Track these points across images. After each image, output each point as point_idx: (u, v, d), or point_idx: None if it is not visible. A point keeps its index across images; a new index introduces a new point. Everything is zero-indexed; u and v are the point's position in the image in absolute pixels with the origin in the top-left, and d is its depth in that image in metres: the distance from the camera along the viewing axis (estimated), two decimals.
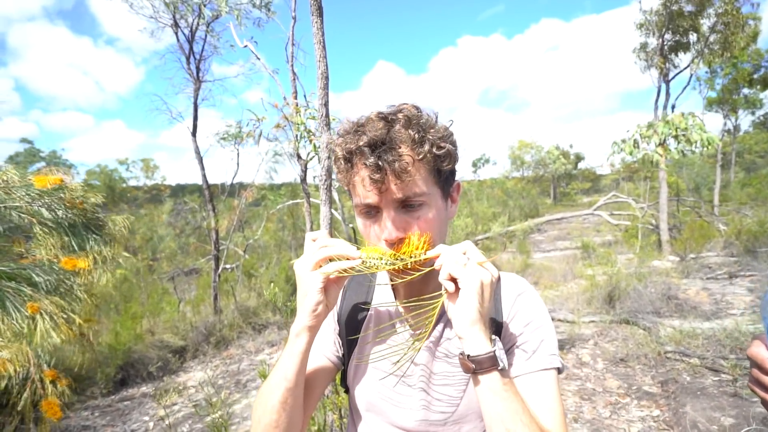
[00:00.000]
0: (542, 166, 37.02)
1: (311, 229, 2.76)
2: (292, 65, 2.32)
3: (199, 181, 6.42)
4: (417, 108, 0.67)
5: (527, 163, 38.05)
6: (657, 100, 10.03)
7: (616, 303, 5.17)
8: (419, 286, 0.75)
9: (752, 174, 22.61)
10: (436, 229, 0.67)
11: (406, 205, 0.65)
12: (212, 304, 6.10)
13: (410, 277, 0.64)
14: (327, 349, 0.82)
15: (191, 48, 6.22)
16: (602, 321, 4.80)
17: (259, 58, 2.59)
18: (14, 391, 1.75)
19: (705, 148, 7.31)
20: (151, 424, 3.46)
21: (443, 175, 0.67)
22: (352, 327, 0.81)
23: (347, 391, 0.84)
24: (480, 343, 0.58)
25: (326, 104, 1.74)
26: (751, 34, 10.17)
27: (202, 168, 6.30)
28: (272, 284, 4.48)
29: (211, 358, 5.09)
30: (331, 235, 2.37)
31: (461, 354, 0.60)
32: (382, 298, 0.81)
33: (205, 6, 5.67)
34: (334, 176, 1.98)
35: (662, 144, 7.93)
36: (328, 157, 1.90)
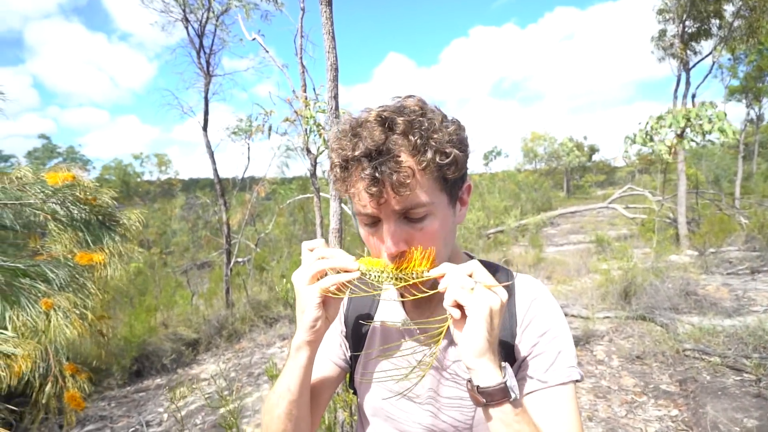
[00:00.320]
0: (555, 159, 36.45)
1: (321, 224, 2.74)
2: (300, 57, 2.28)
3: (211, 176, 6.47)
4: (421, 105, 0.60)
5: (540, 156, 37.51)
6: (676, 90, 9.72)
7: (631, 299, 5.05)
8: (427, 298, 0.71)
9: None
10: (441, 240, 0.62)
11: (408, 217, 0.60)
12: (224, 297, 6.17)
13: (418, 296, 0.60)
14: (333, 353, 0.80)
15: (201, 42, 6.22)
16: (617, 317, 4.70)
17: (267, 51, 2.56)
18: (36, 385, 1.79)
19: (720, 139, 7.01)
20: (165, 416, 3.51)
21: (450, 181, 0.61)
22: (357, 335, 0.78)
23: (356, 392, 0.81)
24: (490, 375, 0.54)
25: (336, 96, 1.69)
26: None
27: (214, 162, 6.33)
28: (284, 279, 4.49)
29: (224, 350, 5.15)
30: (341, 230, 2.34)
31: (470, 384, 0.56)
32: (389, 306, 0.77)
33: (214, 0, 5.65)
34: None
35: (680, 135, 7.68)
36: None
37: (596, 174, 41.83)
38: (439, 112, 0.61)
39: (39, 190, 2.05)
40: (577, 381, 0.64)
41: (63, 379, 1.85)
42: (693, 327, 4.02)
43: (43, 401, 1.79)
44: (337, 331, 0.81)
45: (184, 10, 5.99)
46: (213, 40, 6.33)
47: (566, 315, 4.97)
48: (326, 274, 0.62)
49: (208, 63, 6.34)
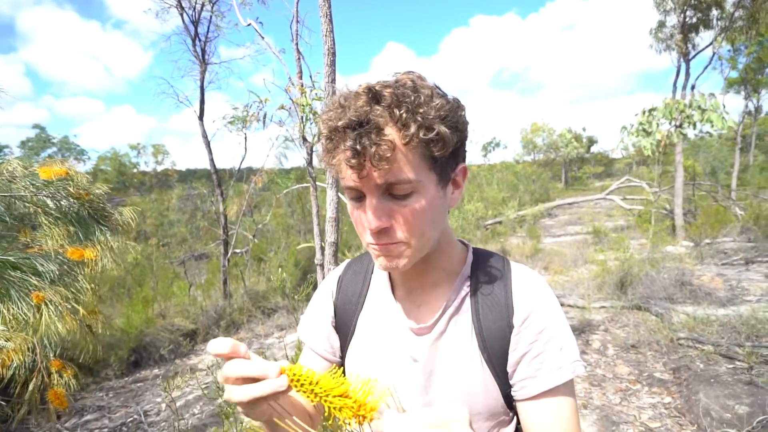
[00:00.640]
0: (554, 150, 36.41)
1: (318, 214, 2.72)
2: (296, 43, 2.23)
3: (208, 166, 6.42)
4: (413, 80, 0.58)
5: (539, 147, 37.44)
6: (676, 81, 9.67)
7: (627, 289, 5.09)
8: (418, 278, 0.70)
9: None
10: (428, 220, 0.60)
11: (392, 193, 0.57)
12: (222, 288, 6.17)
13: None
14: (320, 347, 0.78)
15: (196, 29, 6.13)
16: (613, 307, 4.73)
17: (263, 37, 2.51)
18: (20, 381, 1.77)
19: (714, 128, 6.95)
20: (163, 405, 3.53)
21: (439, 160, 0.58)
22: (346, 323, 0.77)
23: None
24: None
25: (333, 82, 1.65)
26: None
27: (210, 152, 6.28)
28: (280, 269, 4.49)
29: None
30: (338, 219, 2.32)
31: None
32: (379, 287, 0.76)
33: None
34: None
35: (679, 126, 7.65)
36: None
37: (594, 165, 41.83)
38: (432, 88, 0.58)
39: (29, 183, 2.02)
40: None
41: (48, 375, 1.82)
42: (687, 316, 4.05)
43: (26, 397, 1.77)
44: (326, 322, 0.79)
45: None
46: (208, 28, 6.24)
47: (562, 305, 4.99)
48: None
49: (203, 51, 6.25)
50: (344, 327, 0.77)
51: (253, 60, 6.49)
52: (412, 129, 0.54)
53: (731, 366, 3.19)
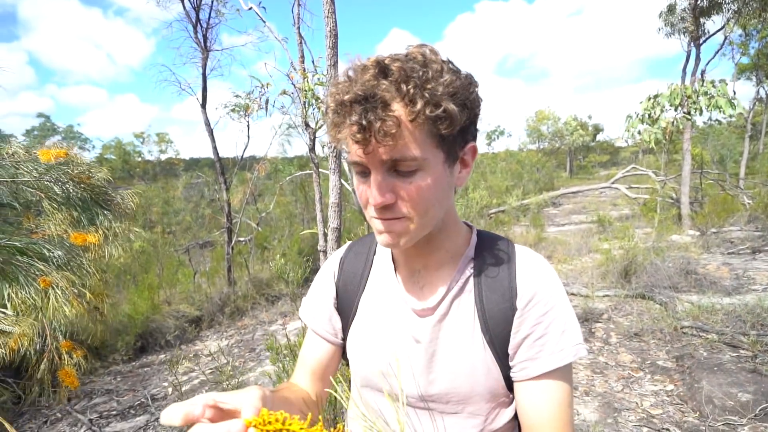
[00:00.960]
0: (559, 138, 36.02)
1: (321, 200, 2.71)
2: (298, 27, 2.19)
3: (212, 155, 6.41)
4: (424, 54, 0.56)
5: (544, 135, 37.05)
6: (685, 66, 9.47)
7: (632, 277, 5.07)
8: (422, 259, 0.69)
9: None
10: (433, 198, 0.59)
11: (397, 169, 0.56)
12: (226, 275, 6.21)
13: None
14: (322, 328, 0.78)
15: (198, 16, 6.05)
16: (617, 295, 4.72)
17: (264, 22, 2.47)
18: (32, 362, 1.80)
19: (722, 113, 6.79)
20: (170, 390, 3.59)
21: (447, 138, 0.57)
22: (348, 304, 0.76)
23: (347, 364, 0.80)
24: None
25: (335, 65, 1.61)
26: None
27: (213, 140, 6.26)
28: (278, 257, 4.51)
29: (226, 327, 5.23)
30: (341, 205, 2.31)
31: None
32: (382, 267, 0.75)
33: None
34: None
35: (687, 114, 7.51)
36: None
37: (600, 154, 41.40)
38: (443, 63, 0.56)
39: (32, 168, 2.02)
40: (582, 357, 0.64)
41: (59, 356, 1.86)
42: (692, 305, 4.04)
43: (38, 377, 1.80)
44: (328, 303, 0.79)
45: None
46: (210, 14, 6.16)
47: (566, 293, 4.99)
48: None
49: (205, 38, 6.18)
50: (346, 308, 0.76)
51: (256, 47, 6.44)
52: (419, 105, 0.53)
53: (735, 354, 3.19)
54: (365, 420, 0.54)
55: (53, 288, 1.69)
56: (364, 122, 0.52)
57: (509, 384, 0.67)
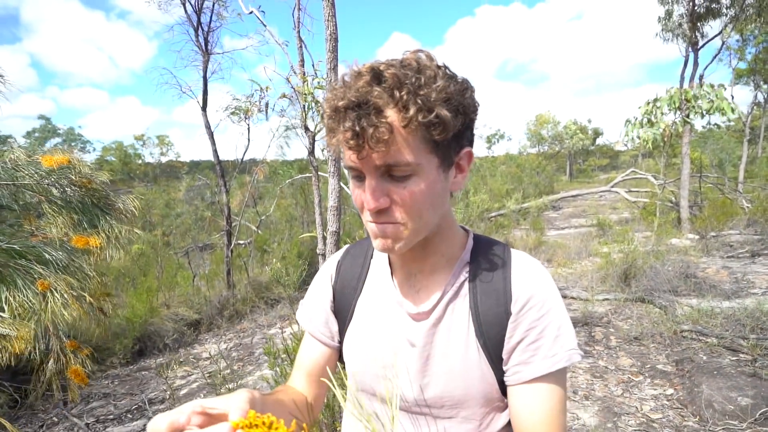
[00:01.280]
0: (558, 142, 36.12)
1: (320, 204, 2.71)
2: (298, 31, 2.20)
3: (212, 158, 6.42)
4: (419, 60, 0.56)
5: (545, 139, 37.15)
6: (683, 71, 9.52)
7: (631, 281, 5.07)
8: (418, 263, 0.69)
9: None
10: (427, 203, 0.59)
11: (392, 174, 0.57)
12: (225, 279, 6.20)
13: None
14: (318, 331, 0.78)
15: (199, 19, 6.09)
16: (617, 299, 4.72)
17: (265, 26, 2.49)
18: (36, 363, 1.80)
19: (724, 117, 6.81)
20: (167, 394, 3.57)
21: (440, 143, 0.57)
22: (344, 307, 0.76)
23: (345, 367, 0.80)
24: None
25: (335, 69, 1.62)
26: None
27: (213, 143, 6.27)
28: (275, 260, 4.51)
29: (225, 331, 5.21)
30: (340, 209, 2.32)
31: None
32: (379, 271, 0.75)
33: None
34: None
35: (686, 117, 7.53)
36: None
37: (600, 158, 41.49)
38: (438, 68, 0.57)
39: (33, 171, 2.03)
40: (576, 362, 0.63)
41: (65, 356, 1.87)
42: (691, 309, 4.03)
43: (46, 377, 1.81)
44: (324, 306, 0.79)
45: None
46: (211, 17, 6.20)
47: (566, 297, 4.99)
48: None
49: (206, 41, 6.21)
50: (343, 311, 0.77)
51: (256, 51, 6.46)
52: (412, 111, 0.53)
53: (735, 358, 3.18)
54: (360, 421, 0.54)
55: (51, 291, 1.69)
56: (357, 128, 0.53)
57: (504, 389, 0.66)
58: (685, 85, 9.28)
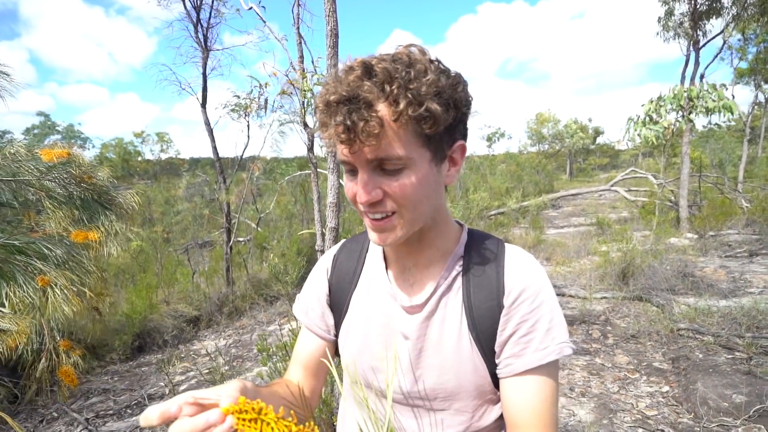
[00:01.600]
0: (559, 140, 36.08)
1: (319, 200, 2.72)
2: (297, 27, 2.21)
3: (211, 155, 6.41)
4: (410, 54, 0.57)
5: (545, 138, 37.12)
6: (684, 70, 9.51)
7: (629, 280, 5.08)
8: (412, 256, 0.70)
9: None
10: (419, 196, 0.59)
11: (384, 168, 0.58)
12: (225, 275, 6.22)
13: None
14: (315, 325, 0.79)
15: (198, 15, 6.07)
16: (614, 297, 4.73)
17: (264, 22, 2.49)
18: (29, 361, 1.81)
19: (727, 116, 6.80)
20: (167, 390, 3.59)
21: (432, 137, 0.57)
22: (340, 297, 0.77)
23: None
24: None
25: (335, 65, 1.62)
26: None
27: (213, 140, 6.27)
28: (273, 257, 4.52)
29: (224, 327, 5.23)
30: (339, 205, 2.32)
31: None
32: (374, 265, 0.76)
33: None
34: None
35: (688, 115, 7.53)
36: None
37: (600, 157, 41.48)
38: (429, 62, 0.57)
39: (33, 167, 2.03)
40: (568, 354, 0.64)
41: (57, 355, 1.86)
42: (688, 307, 4.05)
43: (37, 376, 1.81)
44: (321, 300, 0.80)
45: None
46: (210, 13, 6.18)
47: (564, 295, 5.01)
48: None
49: (205, 37, 6.19)
50: (338, 305, 0.78)
51: (256, 47, 6.45)
52: (402, 105, 0.53)
53: (730, 356, 3.20)
54: (358, 405, 0.55)
55: (51, 287, 1.70)
56: (348, 123, 0.53)
57: (496, 381, 0.67)
58: (687, 84, 9.28)
